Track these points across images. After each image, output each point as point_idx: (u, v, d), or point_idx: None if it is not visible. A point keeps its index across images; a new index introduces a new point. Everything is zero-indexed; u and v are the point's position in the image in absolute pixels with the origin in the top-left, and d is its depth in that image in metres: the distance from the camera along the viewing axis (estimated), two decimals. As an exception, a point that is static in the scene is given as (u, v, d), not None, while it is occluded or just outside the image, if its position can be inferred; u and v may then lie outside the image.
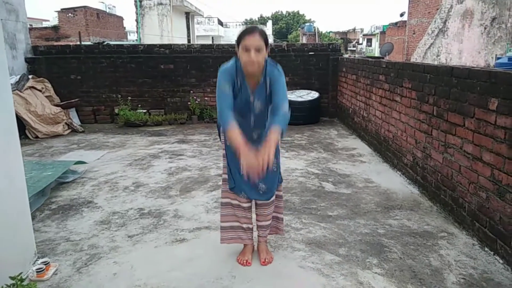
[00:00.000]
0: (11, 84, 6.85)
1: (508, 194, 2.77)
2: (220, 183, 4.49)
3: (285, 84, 2.57)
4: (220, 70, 2.58)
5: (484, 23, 13.13)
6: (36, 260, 2.84)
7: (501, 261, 2.84)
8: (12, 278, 2.28)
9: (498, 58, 10.00)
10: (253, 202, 2.88)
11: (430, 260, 2.89)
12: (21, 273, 2.34)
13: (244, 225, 2.88)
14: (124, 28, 36.55)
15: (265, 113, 2.66)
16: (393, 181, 4.59)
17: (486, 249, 3.02)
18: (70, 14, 27.66)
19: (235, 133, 2.35)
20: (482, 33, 13.26)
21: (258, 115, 2.67)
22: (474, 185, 3.22)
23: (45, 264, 2.75)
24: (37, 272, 2.67)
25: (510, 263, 2.74)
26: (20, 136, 2.86)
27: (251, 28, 2.49)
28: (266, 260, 2.88)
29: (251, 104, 2.62)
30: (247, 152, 2.29)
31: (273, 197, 2.84)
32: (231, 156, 2.67)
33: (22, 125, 6.86)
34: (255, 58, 2.42)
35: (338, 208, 3.84)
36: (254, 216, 2.95)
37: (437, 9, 16.96)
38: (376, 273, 2.74)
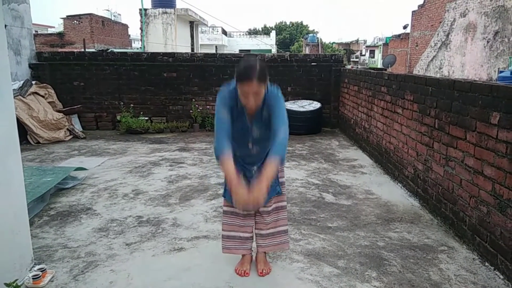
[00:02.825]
0: (14, 89, 6.89)
1: (509, 208, 2.75)
2: (221, 191, 4.49)
3: (284, 107, 2.52)
4: (220, 94, 2.54)
5: (487, 37, 13.18)
6: (33, 267, 2.82)
7: (501, 276, 2.81)
8: (7, 284, 2.27)
9: (501, 72, 10.02)
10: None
11: (430, 274, 2.86)
12: (16, 280, 2.32)
13: (241, 234, 2.86)
14: (129, 36, 36.84)
15: (264, 136, 2.61)
16: (393, 193, 4.56)
17: (486, 264, 2.99)
18: (75, 21, 27.90)
19: (228, 164, 2.33)
20: (484, 47, 13.30)
21: (257, 139, 2.65)
22: (475, 199, 3.20)
23: (41, 271, 2.73)
24: (33, 278, 2.65)
25: (510, 278, 2.71)
26: (21, 141, 2.87)
27: (248, 74, 2.34)
28: (264, 271, 2.85)
29: (249, 130, 2.61)
30: (238, 187, 2.29)
31: (272, 206, 2.81)
32: None
33: (24, 130, 6.87)
34: (253, 103, 2.42)
35: (338, 220, 3.81)
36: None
37: (440, 22, 17.04)
38: (375, 286, 2.71)
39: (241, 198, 2.27)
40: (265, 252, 2.97)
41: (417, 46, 21.35)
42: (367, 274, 2.85)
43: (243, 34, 47.45)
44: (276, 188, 2.76)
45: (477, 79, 11.80)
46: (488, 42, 13.09)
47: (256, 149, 2.68)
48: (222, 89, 2.55)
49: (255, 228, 2.92)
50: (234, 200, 2.32)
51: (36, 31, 28.04)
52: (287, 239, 2.96)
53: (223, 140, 2.40)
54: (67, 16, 28.43)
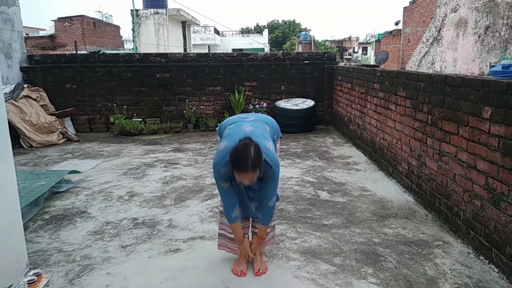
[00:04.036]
0: (6, 93, 6.84)
1: (502, 202, 2.77)
2: (216, 192, 4.49)
3: (277, 179, 2.62)
4: (215, 171, 2.54)
5: (478, 32, 13.26)
6: (28, 272, 2.80)
7: (496, 269, 2.83)
8: (2, 290, 2.25)
9: (492, 66, 10.08)
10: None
11: (426, 269, 2.88)
12: (11, 285, 2.31)
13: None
14: (121, 37, 36.64)
15: (259, 195, 2.75)
16: (388, 189, 4.58)
17: (481, 257, 3.01)
18: (66, 23, 27.69)
19: (237, 229, 2.75)
20: (476, 42, 13.38)
21: (252, 198, 2.80)
22: (468, 193, 3.22)
23: (37, 276, 2.71)
24: (28, 283, 2.63)
25: (505, 271, 2.73)
26: (14, 145, 2.85)
27: (243, 165, 2.29)
28: (261, 271, 2.86)
29: (245, 195, 2.75)
30: (244, 246, 2.82)
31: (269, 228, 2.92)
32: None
33: (16, 134, 6.82)
34: (248, 184, 2.48)
35: (334, 217, 3.82)
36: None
37: (432, 18, 17.12)
38: (371, 282, 2.72)
39: (245, 252, 2.82)
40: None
41: (409, 42, 21.44)
42: (363, 271, 2.87)
43: (235, 33, 47.36)
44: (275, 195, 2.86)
45: (469, 74, 11.88)
46: (479, 37, 13.17)
47: (254, 204, 2.85)
48: (216, 166, 2.52)
49: (251, 227, 2.94)
50: (240, 253, 2.86)
51: (27, 34, 27.82)
52: (274, 233, 3.11)
53: (230, 211, 2.65)
54: (58, 18, 28.20)
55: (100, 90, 8.49)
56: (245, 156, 2.28)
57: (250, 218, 2.96)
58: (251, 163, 2.28)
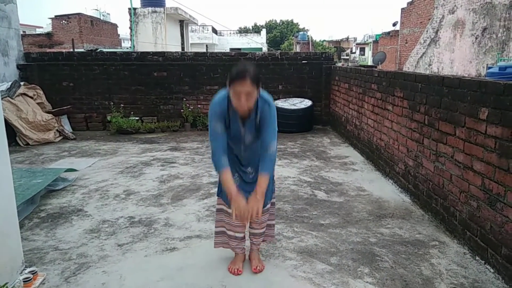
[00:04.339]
0: (2, 90, 6.81)
1: (498, 203, 2.78)
2: (213, 191, 4.48)
3: (275, 119, 2.58)
4: (212, 103, 2.57)
5: (475, 33, 13.31)
6: (24, 269, 2.79)
7: (492, 270, 2.84)
8: (-3, 288, 2.24)
9: (489, 68, 10.12)
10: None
11: (422, 269, 2.88)
12: (7, 283, 2.30)
13: (237, 234, 2.87)
14: (118, 35, 36.53)
15: (255, 144, 2.69)
16: (385, 190, 4.59)
17: (477, 258, 3.02)
18: (64, 21, 27.61)
19: (227, 178, 2.52)
20: (473, 43, 13.43)
21: (248, 146, 2.71)
22: (465, 194, 3.23)
23: (32, 274, 2.70)
24: (24, 281, 2.63)
25: (501, 272, 2.74)
26: (10, 143, 2.83)
27: (241, 73, 2.38)
28: (258, 268, 2.86)
29: (241, 136, 2.66)
30: (238, 199, 2.48)
31: (268, 205, 2.84)
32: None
33: (13, 132, 6.79)
34: (245, 104, 2.43)
35: (330, 217, 3.83)
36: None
37: (429, 19, 17.17)
38: (367, 282, 2.73)
39: (240, 208, 2.46)
40: (258, 250, 3.00)
41: (406, 43, 21.50)
42: (360, 270, 2.87)
43: (233, 33, 47.36)
44: (269, 196, 2.83)
45: (466, 75, 11.91)
46: (476, 38, 13.22)
47: (248, 153, 2.74)
48: (213, 99, 2.57)
49: (249, 227, 2.93)
50: (233, 209, 2.48)
51: (24, 32, 27.74)
52: (274, 232, 3.08)
53: (220, 156, 2.54)
54: (56, 16, 28.13)
55: (97, 88, 8.47)
56: (244, 66, 2.43)
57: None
58: (250, 72, 2.39)
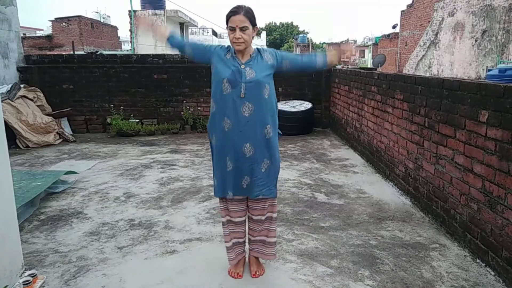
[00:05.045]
0: (3, 93, 6.81)
1: (499, 205, 2.78)
2: (212, 193, 4.47)
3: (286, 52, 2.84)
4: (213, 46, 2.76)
5: (475, 36, 13.32)
6: (23, 272, 2.78)
7: (492, 272, 2.83)
8: (-3, 291, 2.23)
9: (489, 70, 10.12)
10: (246, 217, 2.85)
11: (422, 272, 2.88)
12: (6, 286, 2.29)
13: (239, 240, 2.86)
14: (119, 37, 36.59)
15: (258, 89, 2.55)
16: (385, 192, 4.59)
17: (477, 260, 3.01)
18: (64, 24, 27.66)
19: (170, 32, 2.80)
20: (473, 45, 13.44)
21: (249, 86, 2.53)
22: (465, 196, 3.22)
23: (32, 276, 2.69)
24: (24, 284, 2.62)
25: (501, 274, 2.74)
26: (10, 145, 2.83)
27: (236, 8, 2.53)
28: (257, 273, 2.85)
29: (241, 73, 2.54)
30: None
31: (265, 215, 2.79)
32: (217, 157, 2.76)
33: (13, 134, 6.79)
34: (240, 36, 2.50)
35: (331, 219, 3.82)
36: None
37: (429, 21, 17.19)
38: (368, 285, 2.72)
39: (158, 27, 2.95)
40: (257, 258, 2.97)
41: (406, 45, 21.52)
42: (360, 273, 2.86)
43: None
44: (272, 190, 2.73)
45: (466, 78, 11.92)
46: (476, 41, 13.23)
47: (249, 108, 2.54)
48: (216, 47, 2.75)
49: (248, 234, 2.91)
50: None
51: (24, 34, 27.74)
52: (275, 251, 2.90)
53: (183, 42, 2.87)
54: (56, 18, 28.16)
55: (97, 90, 8.47)
56: (240, 4, 2.56)
57: (246, 218, 2.90)
58: (243, 8, 2.52)
